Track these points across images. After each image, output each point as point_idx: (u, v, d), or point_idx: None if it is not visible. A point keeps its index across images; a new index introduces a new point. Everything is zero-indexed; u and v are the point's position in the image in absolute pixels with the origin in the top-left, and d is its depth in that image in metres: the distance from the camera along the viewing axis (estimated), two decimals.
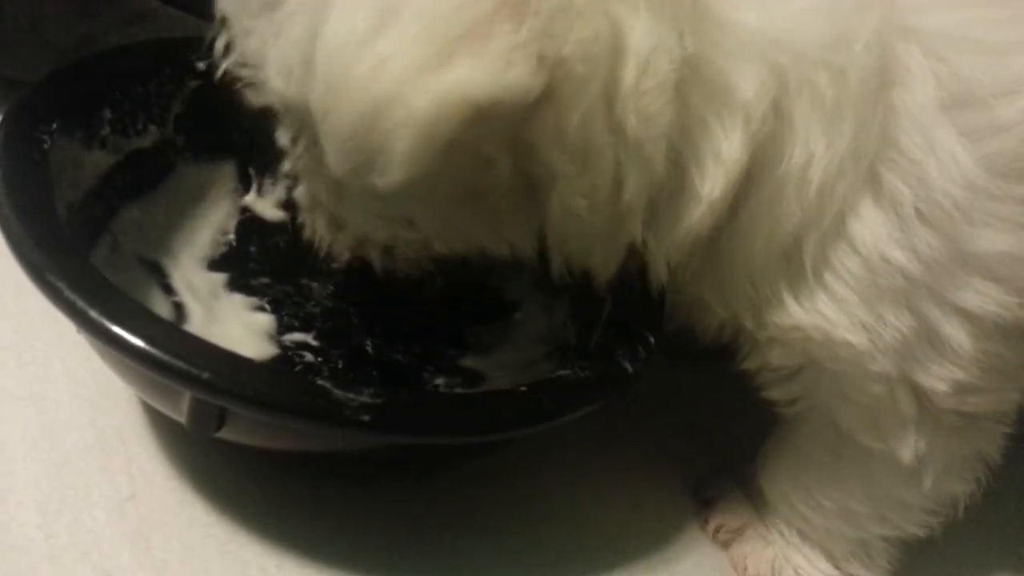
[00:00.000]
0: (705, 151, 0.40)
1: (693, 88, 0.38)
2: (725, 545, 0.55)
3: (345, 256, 0.51)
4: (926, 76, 0.39)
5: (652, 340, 0.49)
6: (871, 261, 0.41)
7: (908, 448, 0.46)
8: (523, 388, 0.44)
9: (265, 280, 0.60)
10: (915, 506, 0.50)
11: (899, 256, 0.41)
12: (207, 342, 0.40)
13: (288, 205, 0.62)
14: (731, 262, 0.44)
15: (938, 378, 0.43)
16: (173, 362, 0.37)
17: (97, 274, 0.40)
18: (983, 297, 0.41)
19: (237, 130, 0.60)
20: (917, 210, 0.40)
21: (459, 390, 0.56)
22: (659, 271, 0.45)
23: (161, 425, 0.51)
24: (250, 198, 0.62)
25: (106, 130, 0.53)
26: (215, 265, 0.59)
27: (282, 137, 0.50)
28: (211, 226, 0.60)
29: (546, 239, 0.44)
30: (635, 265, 0.46)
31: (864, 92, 0.39)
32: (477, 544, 0.50)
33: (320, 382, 0.39)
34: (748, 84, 0.38)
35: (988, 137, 0.39)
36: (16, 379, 0.52)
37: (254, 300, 0.58)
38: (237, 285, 0.59)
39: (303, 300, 0.60)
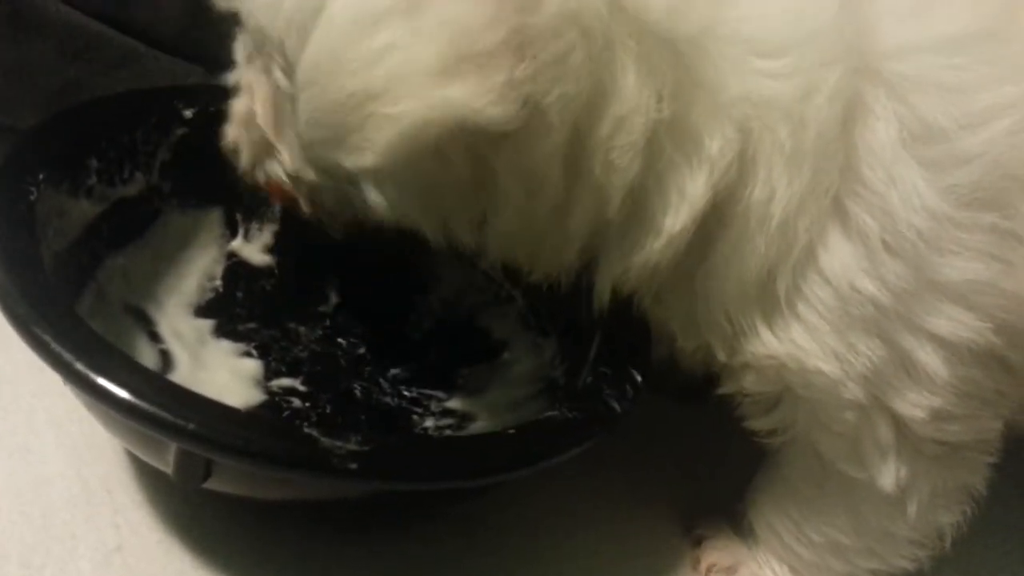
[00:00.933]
0: (670, 189, 0.42)
1: (664, 140, 0.41)
2: None
3: (258, 179, 0.51)
4: (888, 117, 0.41)
5: (639, 378, 0.49)
6: (841, 291, 0.42)
7: (889, 476, 0.46)
8: (511, 431, 0.44)
9: (252, 325, 0.60)
10: (901, 538, 0.50)
11: (868, 286, 0.42)
12: (192, 392, 0.40)
13: (274, 249, 0.63)
14: (706, 298, 0.46)
15: (915, 405, 0.44)
16: (159, 413, 0.37)
17: (83, 325, 0.40)
18: (956, 324, 0.42)
19: (223, 176, 0.60)
20: (883, 241, 0.41)
21: (448, 432, 0.56)
22: (602, 293, 0.47)
23: (147, 475, 0.51)
24: (236, 243, 0.62)
25: (92, 179, 0.53)
26: (202, 311, 0.59)
27: (237, 50, 0.50)
28: (197, 272, 0.60)
29: (486, 238, 0.46)
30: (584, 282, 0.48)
31: (823, 137, 0.41)
32: None
33: (307, 430, 0.39)
34: (715, 141, 0.41)
35: (951, 169, 0.41)
36: (1, 430, 0.52)
37: (241, 346, 0.58)
38: (224, 331, 0.59)
39: (290, 344, 0.60)
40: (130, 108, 0.57)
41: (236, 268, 0.62)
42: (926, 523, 0.49)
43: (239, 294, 0.61)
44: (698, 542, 0.57)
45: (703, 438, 0.63)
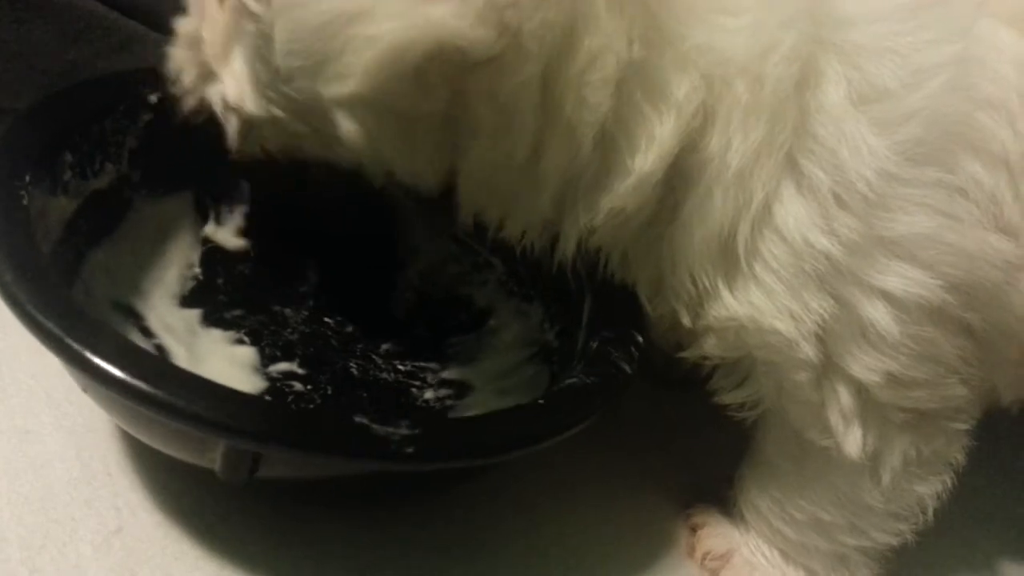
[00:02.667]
0: (639, 134, 0.43)
1: (634, 84, 0.43)
2: (712, 572, 0.55)
3: (193, 103, 0.50)
4: (839, 79, 0.43)
5: (640, 339, 0.51)
6: (795, 246, 0.44)
7: (855, 443, 0.47)
8: (540, 400, 0.46)
9: (238, 312, 0.59)
10: (880, 511, 0.50)
11: (821, 239, 0.43)
12: (236, 391, 0.40)
13: (247, 232, 0.62)
14: (672, 260, 0.47)
15: (870, 368, 0.45)
16: (215, 417, 0.38)
17: (118, 335, 0.40)
18: (904, 280, 0.43)
19: (190, 160, 0.59)
20: (835, 194, 0.43)
21: (450, 402, 0.57)
22: (568, 247, 0.48)
23: (147, 458, 0.50)
24: (210, 228, 0.61)
25: (68, 175, 0.51)
26: (187, 301, 0.58)
27: None
28: (177, 262, 0.59)
29: (455, 183, 0.46)
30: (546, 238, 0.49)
31: (777, 94, 0.43)
32: (461, 571, 0.51)
33: (358, 419, 0.40)
34: (681, 88, 0.43)
35: (896, 125, 0.42)
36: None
37: (232, 333, 0.58)
38: (212, 320, 0.58)
39: (279, 328, 0.60)
40: (98, 97, 0.54)
41: (213, 254, 0.61)
42: (902, 493, 0.49)
43: (220, 281, 0.60)
44: (693, 530, 0.57)
45: (699, 426, 0.63)
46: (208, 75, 0.48)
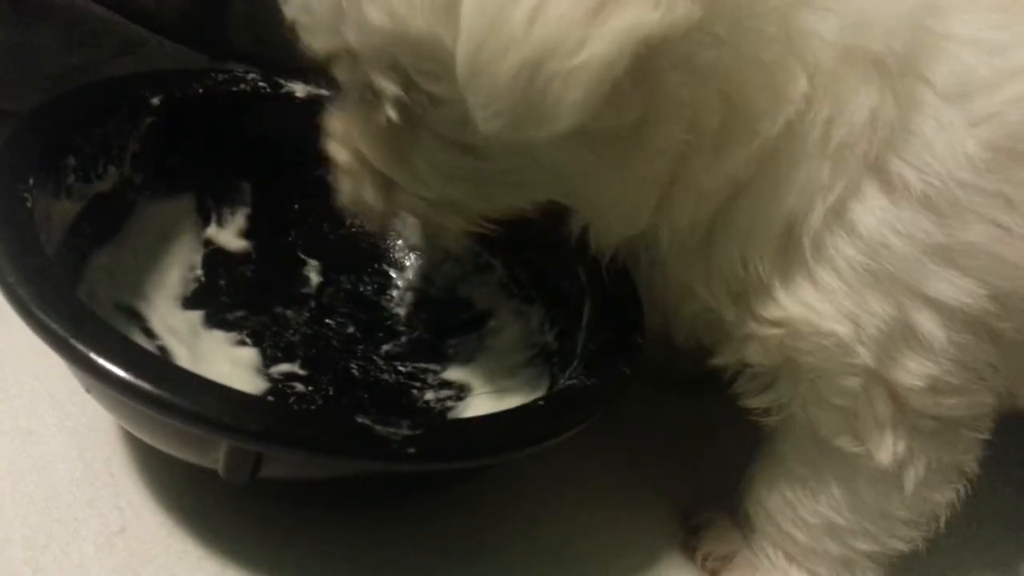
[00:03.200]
0: (776, 93, 0.42)
1: (788, 40, 0.42)
2: (713, 573, 0.55)
3: (376, 223, 0.51)
4: (941, 70, 0.43)
5: (640, 340, 0.52)
6: (870, 246, 0.43)
7: (887, 451, 0.47)
8: (540, 402, 0.46)
9: (240, 313, 0.60)
10: (896, 518, 0.50)
11: (897, 243, 0.42)
12: (242, 392, 0.40)
13: (249, 234, 0.62)
14: (726, 238, 0.46)
15: (913, 374, 0.44)
16: (218, 417, 0.38)
17: (121, 336, 0.40)
18: (955, 288, 0.43)
19: (192, 163, 0.60)
20: (924, 196, 0.42)
21: (450, 403, 0.58)
22: (662, 238, 0.47)
23: (150, 458, 0.51)
24: (212, 230, 0.61)
25: (71, 178, 0.52)
26: (189, 303, 0.58)
27: (348, 94, 0.48)
28: (179, 264, 0.59)
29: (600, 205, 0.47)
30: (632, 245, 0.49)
31: (889, 78, 0.42)
32: (462, 573, 0.51)
33: (360, 420, 0.40)
34: (822, 39, 0.42)
35: (977, 126, 0.42)
36: (3, 413, 0.52)
37: (234, 335, 0.58)
38: (214, 321, 0.58)
39: (281, 329, 0.60)
40: (101, 100, 0.55)
41: (214, 256, 0.61)
42: (921, 501, 0.49)
43: (222, 282, 0.60)
44: (695, 531, 0.57)
45: (700, 428, 0.64)
46: (389, 186, 0.48)
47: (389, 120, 0.44)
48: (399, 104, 0.43)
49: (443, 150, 0.45)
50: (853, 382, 0.46)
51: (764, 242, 0.45)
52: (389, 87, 0.42)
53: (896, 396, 0.46)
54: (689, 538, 0.57)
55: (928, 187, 0.42)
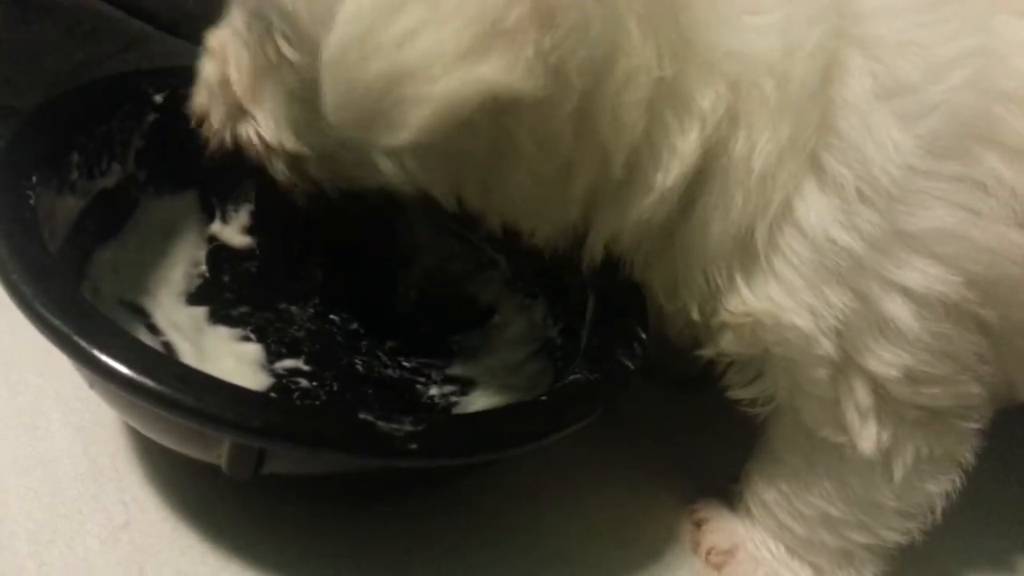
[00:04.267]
0: (662, 148, 0.44)
1: (664, 101, 0.43)
2: (717, 567, 0.55)
3: (224, 144, 0.51)
4: (863, 74, 0.43)
5: (643, 335, 0.52)
6: (817, 242, 0.44)
7: (869, 440, 0.47)
8: (543, 397, 0.46)
9: (245, 309, 0.60)
10: (889, 508, 0.50)
11: (843, 236, 0.43)
12: (245, 388, 0.40)
13: (253, 230, 0.62)
14: (684, 255, 0.47)
15: (888, 364, 0.45)
16: (221, 413, 0.38)
17: (125, 333, 0.40)
18: (925, 276, 0.43)
19: (196, 159, 0.60)
20: (858, 190, 0.43)
21: (455, 399, 0.58)
22: (594, 252, 0.49)
23: (154, 453, 0.51)
24: (216, 227, 0.61)
25: (75, 174, 0.52)
26: (193, 299, 0.58)
27: (236, 14, 0.49)
28: (183, 260, 0.59)
29: (494, 202, 0.48)
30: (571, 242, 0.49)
31: (804, 91, 0.43)
32: (465, 568, 0.51)
33: (362, 416, 0.40)
34: (706, 98, 0.43)
35: (919, 119, 0.42)
36: (8, 408, 0.52)
37: (238, 331, 0.58)
38: (219, 317, 0.58)
39: (285, 325, 0.60)
40: (104, 97, 0.55)
41: (218, 252, 0.61)
42: (913, 491, 0.50)
43: (226, 278, 0.60)
44: (697, 525, 0.57)
45: (702, 424, 0.64)
46: (238, 114, 0.50)
47: (256, 49, 0.46)
48: (261, 42, 0.45)
49: (290, 101, 0.47)
50: (821, 373, 0.46)
51: (719, 256, 0.46)
52: (286, 28, 0.44)
53: (876, 386, 0.46)
54: (692, 533, 0.57)
55: (862, 182, 0.43)
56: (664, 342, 0.54)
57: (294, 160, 0.50)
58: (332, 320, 0.62)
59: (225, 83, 0.49)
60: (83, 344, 0.38)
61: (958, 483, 0.50)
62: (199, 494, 0.50)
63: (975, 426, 0.49)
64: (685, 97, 0.43)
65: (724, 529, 0.56)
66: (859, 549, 0.52)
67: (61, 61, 0.59)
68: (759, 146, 0.43)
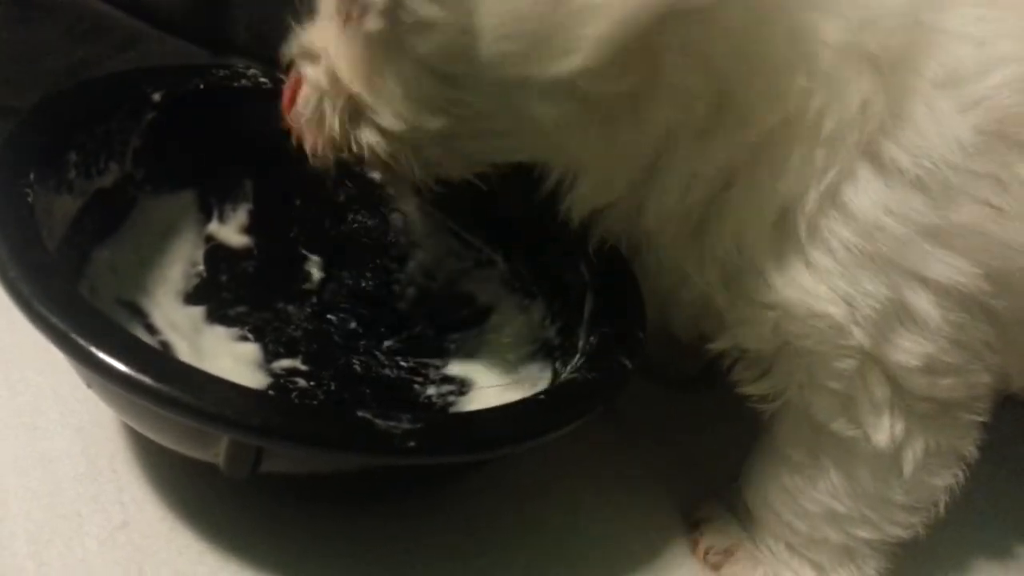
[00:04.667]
0: (765, 95, 0.43)
1: (788, 43, 0.42)
2: (715, 567, 0.55)
3: (326, 156, 0.48)
4: (928, 60, 0.43)
5: (641, 335, 0.52)
6: (863, 227, 0.44)
7: (884, 433, 0.47)
8: (541, 396, 0.46)
9: (242, 309, 0.60)
10: (895, 503, 0.50)
11: (892, 223, 0.43)
12: (242, 386, 0.40)
13: (250, 229, 0.62)
14: (721, 223, 0.46)
15: (909, 353, 0.45)
16: (219, 411, 0.38)
17: (122, 331, 0.40)
18: (949, 268, 0.44)
19: (194, 158, 0.60)
20: (917, 178, 0.43)
21: (452, 398, 0.58)
22: (648, 217, 0.48)
23: (152, 453, 0.51)
24: (213, 226, 0.61)
25: (72, 173, 0.52)
26: (191, 299, 0.58)
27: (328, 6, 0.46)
28: (181, 259, 0.59)
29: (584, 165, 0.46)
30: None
31: (880, 69, 0.43)
32: (464, 568, 0.51)
33: (360, 414, 0.40)
34: (824, 39, 0.42)
35: (969, 111, 0.43)
36: (7, 409, 0.52)
37: (236, 330, 0.58)
38: (216, 317, 0.58)
39: (283, 325, 0.60)
40: (102, 96, 0.55)
41: (216, 251, 0.61)
42: (920, 485, 0.50)
43: (223, 278, 0.60)
44: (696, 525, 0.57)
45: (701, 423, 0.64)
46: (356, 113, 0.46)
47: (371, 34, 0.43)
48: (386, 17, 0.41)
49: (422, 77, 0.43)
50: (848, 364, 0.46)
51: (758, 227, 0.45)
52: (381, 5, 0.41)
53: (892, 378, 0.46)
54: (691, 532, 0.57)
55: (920, 169, 0.43)
56: (664, 341, 0.54)
57: (418, 151, 0.47)
58: (329, 320, 0.62)
59: (336, 82, 0.46)
60: (81, 342, 0.38)
61: (961, 477, 0.50)
62: (197, 494, 0.50)
63: (979, 419, 0.49)
64: (806, 39, 0.42)
65: (722, 529, 0.56)
66: (862, 545, 0.52)
67: (60, 60, 0.59)
68: (833, 109, 0.43)
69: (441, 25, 0.40)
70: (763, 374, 0.50)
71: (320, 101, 0.47)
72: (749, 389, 0.50)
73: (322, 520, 0.51)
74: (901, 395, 0.47)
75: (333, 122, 0.47)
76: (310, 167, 0.55)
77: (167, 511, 0.49)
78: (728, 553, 0.55)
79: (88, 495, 0.49)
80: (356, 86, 0.45)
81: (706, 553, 0.56)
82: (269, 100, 0.61)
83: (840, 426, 0.48)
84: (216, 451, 0.42)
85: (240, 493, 0.50)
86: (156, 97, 0.56)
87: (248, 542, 0.49)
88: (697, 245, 0.48)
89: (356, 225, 0.65)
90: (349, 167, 0.50)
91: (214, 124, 0.59)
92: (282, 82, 0.61)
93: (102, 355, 0.38)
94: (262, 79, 0.61)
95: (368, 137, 0.46)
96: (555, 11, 0.36)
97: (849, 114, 0.43)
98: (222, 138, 0.60)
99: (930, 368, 0.46)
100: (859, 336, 0.45)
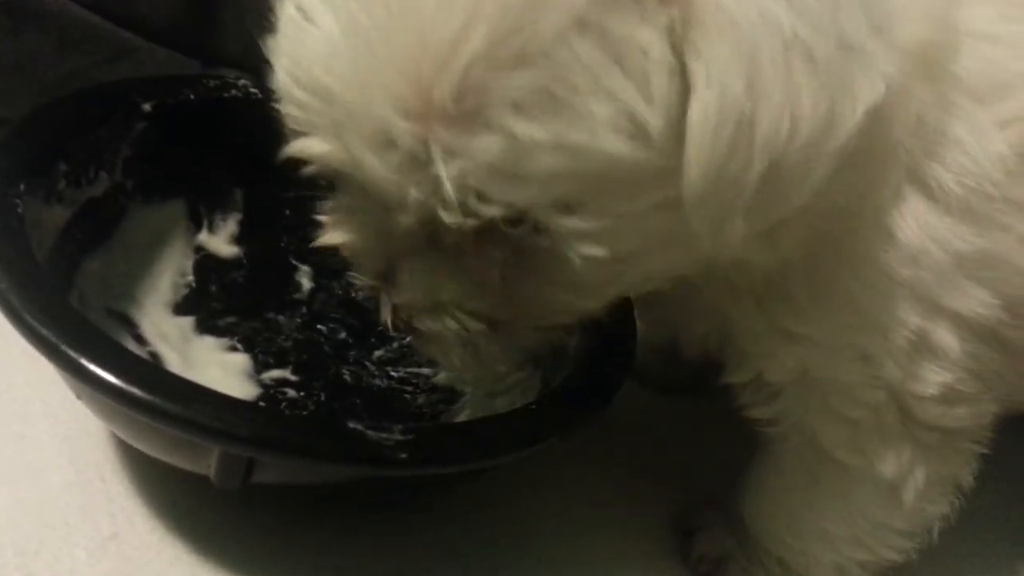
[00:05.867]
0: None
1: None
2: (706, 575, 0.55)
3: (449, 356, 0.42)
4: (967, 70, 0.41)
5: (632, 343, 0.52)
6: (909, 254, 0.41)
7: (890, 463, 0.46)
8: (533, 405, 0.46)
9: (232, 319, 0.60)
10: (893, 529, 0.49)
11: (937, 252, 0.41)
12: (233, 397, 0.40)
13: (240, 239, 0.62)
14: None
15: (928, 383, 0.43)
16: (209, 423, 0.38)
17: (112, 342, 0.40)
18: (972, 299, 0.42)
19: (183, 169, 0.60)
20: (964, 201, 0.40)
21: (441, 407, 0.58)
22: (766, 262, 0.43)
23: (142, 463, 0.51)
24: (203, 236, 0.61)
25: (62, 183, 0.52)
26: (180, 309, 0.58)
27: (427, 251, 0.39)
28: (170, 269, 0.59)
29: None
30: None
31: (929, 76, 0.40)
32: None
33: (352, 425, 0.40)
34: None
35: (1006, 129, 0.40)
36: None
37: (226, 340, 0.58)
38: (206, 327, 0.58)
39: (273, 335, 0.60)
40: (93, 106, 0.55)
41: (205, 262, 0.61)
42: (918, 513, 0.49)
43: (213, 288, 0.60)
44: (688, 533, 0.57)
45: (694, 432, 0.64)
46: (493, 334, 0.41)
47: (508, 260, 0.37)
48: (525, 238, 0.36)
49: (588, 270, 0.37)
50: (875, 395, 0.44)
51: (799, 254, 0.42)
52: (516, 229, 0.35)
53: (905, 407, 0.45)
54: (683, 541, 0.57)
55: (966, 192, 0.41)
56: (652, 346, 0.54)
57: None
58: (319, 330, 0.62)
59: (467, 318, 0.40)
60: (70, 353, 0.38)
61: (956, 505, 0.49)
62: (188, 505, 0.50)
63: (979, 448, 0.48)
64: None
65: (715, 538, 0.56)
66: (854, 565, 0.52)
67: (50, 71, 0.60)
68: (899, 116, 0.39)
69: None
70: (772, 398, 0.48)
71: (467, 346, 0.41)
72: (756, 413, 0.49)
73: (313, 531, 0.51)
74: (911, 424, 0.45)
75: (491, 349, 0.42)
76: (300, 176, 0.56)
77: (157, 522, 0.49)
78: (720, 563, 0.55)
79: (77, 505, 0.48)
80: (497, 311, 0.40)
81: (698, 562, 0.56)
82: (259, 110, 0.62)
83: (845, 454, 0.47)
84: (207, 463, 0.42)
85: (231, 504, 0.49)
86: (146, 107, 0.56)
87: (239, 553, 0.48)
88: (734, 276, 0.45)
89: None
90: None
91: (204, 134, 0.59)
92: (272, 92, 0.61)
93: (91, 366, 0.38)
94: (252, 89, 0.61)
95: (518, 340, 0.42)
96: (783, 166, 0.33)
97: (906, 128, 0.40)
98: (212, 148, 0.60)
99: (946, 398, 0.44)
100: (891, 368, 0.43)
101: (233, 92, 0.61)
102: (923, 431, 0.46)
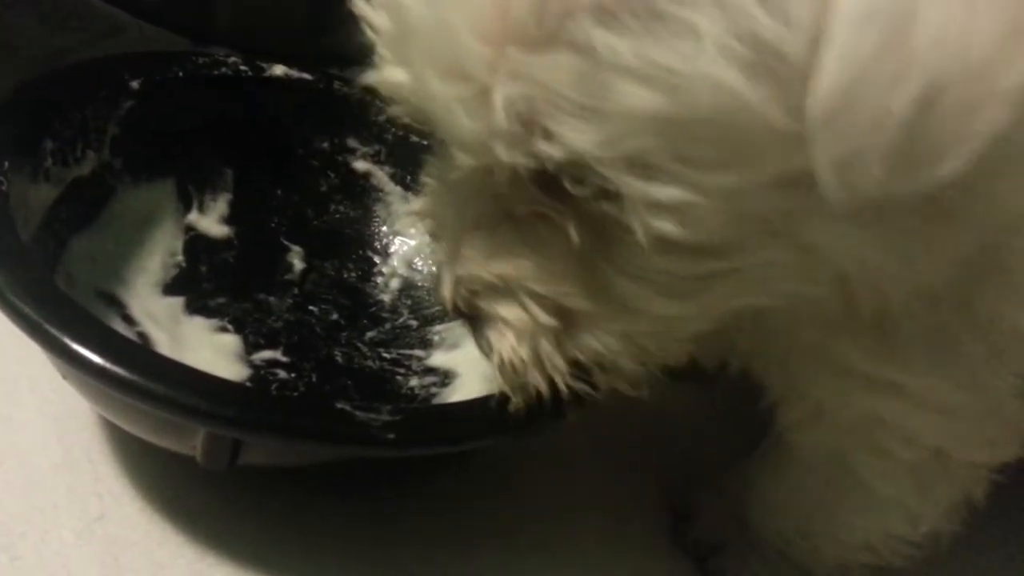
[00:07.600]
0: None
1: None
2: (702, 560, 0.55)
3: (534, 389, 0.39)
4: None
5: None
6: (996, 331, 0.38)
7: (920, 494, 0.45)
8: None
9: (222, 300, 0.59)
10: (903, 540, 0.48)
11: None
12: (218, 377, 0.40)
13: (230, 220, 0.62)
14: None
15: (1004, 452, 0.43)
16: (195, 404, 0.38)
17: (97, 322, 0.40)
18: None
19: (173, 148, 0.59)
20: None
21: (435, 390, 0.57)
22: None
23: (129, 445, 0.50)
24: (193, 216, 0.61)
25: (48, 162, 0.51)
26: (170, 289, 0.58)
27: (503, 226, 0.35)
28: (159, 249, 0.58)
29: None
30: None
31: None
32: (448, 565, 0.51)
33: (340, 405, 0.40)
34: None
35: None
36: None
37: (216, 321, 0.58)
38: (195, 307, 0.58)
39: (264, 316, 0.59)
40: (79, 83, 0.54)
41: (195, 242, 0.60)
42: (934, 529, 0.48)
43: (203, 268, 0.60)
44: (685, 517, 0.56)
45: (691, 415, 0.64)
46: (568, 328, 0.37)
47: (594, 236, 0.33)
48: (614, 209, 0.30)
49: (667, 258, 0.32)
50: (939, 443, 0.43)
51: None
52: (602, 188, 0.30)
53: (942, 449, 0.43)
54: (680, 524, 0.57)
55: None
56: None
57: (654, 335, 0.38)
58: (311, 311, 0.61)
59: (549, 306, 0.36)
60: (55, 333, 0.38)
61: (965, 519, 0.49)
62: (175, 485, 0.49)
63: (993, 474, 0.47)
64: None
65: (713, 523, 0.55)
66: (859, 567, 0.51)
67: (38, 48, 0.59)
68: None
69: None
70: (815, 426, 0.44)
71: (534, 341, 0.37)
72: (793, 436, 0.46)
73: (301, 511, 0.50)
74: (954, 465, 0.44)
75: (555, 358, 0.37)
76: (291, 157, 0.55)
77: (144, 503, 0.49)
78: (717, 548, 0.55)
79: (64, 486, 0.48)
80: (582, 302, 0.36)
81: (694, 545, 0.56)
82: (249, 88, 0.61)
83: (881, 485, 0.46)
84: (193, 444, 0.41)
85: (219, 484, 0.49)
86: (134, 85, 0.56)
87: (226, 533, 0.48)
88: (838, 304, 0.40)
89: (339, 215, 0.65)
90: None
91: (194, 112, 0.59)
92: (262, 70, 0.61)
93: (75, 346, 0.38)
94: (242, 67, 0.60)
95: (594, 344, 0.38)
96: (926, 118, 0.26)
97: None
98: (202, 127, 0.60)
99: (993, 441, 0.44)
100: (976, 428, 0.42)
101: (223, 70, 0.60)
102: (963, 468, 0.45)
